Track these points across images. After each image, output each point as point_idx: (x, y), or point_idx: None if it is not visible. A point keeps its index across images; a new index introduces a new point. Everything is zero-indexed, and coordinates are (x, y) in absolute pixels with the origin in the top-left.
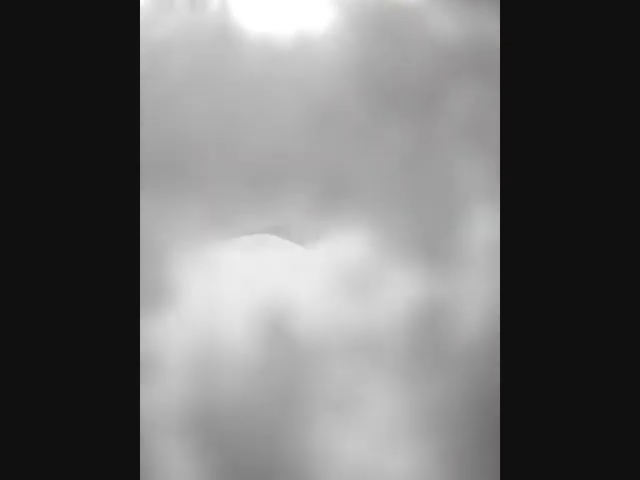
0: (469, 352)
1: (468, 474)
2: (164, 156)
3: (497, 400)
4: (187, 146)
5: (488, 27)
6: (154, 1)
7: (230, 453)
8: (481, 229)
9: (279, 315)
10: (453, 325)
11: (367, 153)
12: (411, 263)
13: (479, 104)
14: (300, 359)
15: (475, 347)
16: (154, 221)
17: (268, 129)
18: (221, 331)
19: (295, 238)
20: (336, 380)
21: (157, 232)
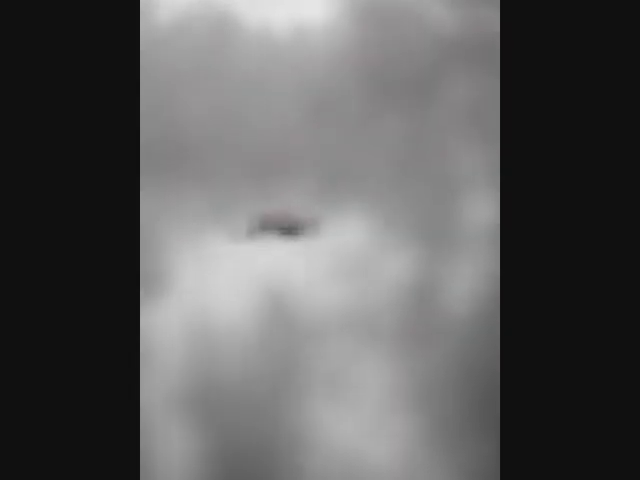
0: (467, 335)
1: (469, 442)
2: (162, 146)
3: (495, 381)
4: (185, 137)
5: (488, 15)
6: None
7: (229, 429)
8: (480, 213)
9: (278, 296)
10: (451, 308)
11: (366, 141)
12: (410, 247)
13: (479, 91)
14: (298, 338)
15: (473, 330)
16: (154, 207)
17: (266, 119)
18: (219, 312)
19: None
20: (333, 358)
21: (157, 217)
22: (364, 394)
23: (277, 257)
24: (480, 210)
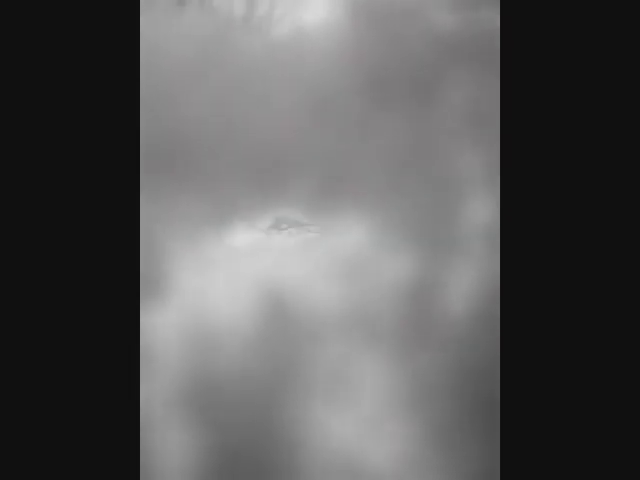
0: (467, 335)
1: (468, 443)
2: (161, 146)
3: (495, 381)
4: (184, 139)
5: (488, 14)
6: None
7: (229, 429)
8: (480, 214)
9: (277, 296)
10: (451, 308)
11: (365, 141)
12: (410, 247)
13: (478, 91)
14: (297, 338)
15: (473, 330)
16: (153, 208)
17: (265, 118)
18: (219, 312)
19: (295, 224)
20: (332, 358)
21: (156, 218)
22: (363, 394)
23: (277, 258)
24: (480, 211)
